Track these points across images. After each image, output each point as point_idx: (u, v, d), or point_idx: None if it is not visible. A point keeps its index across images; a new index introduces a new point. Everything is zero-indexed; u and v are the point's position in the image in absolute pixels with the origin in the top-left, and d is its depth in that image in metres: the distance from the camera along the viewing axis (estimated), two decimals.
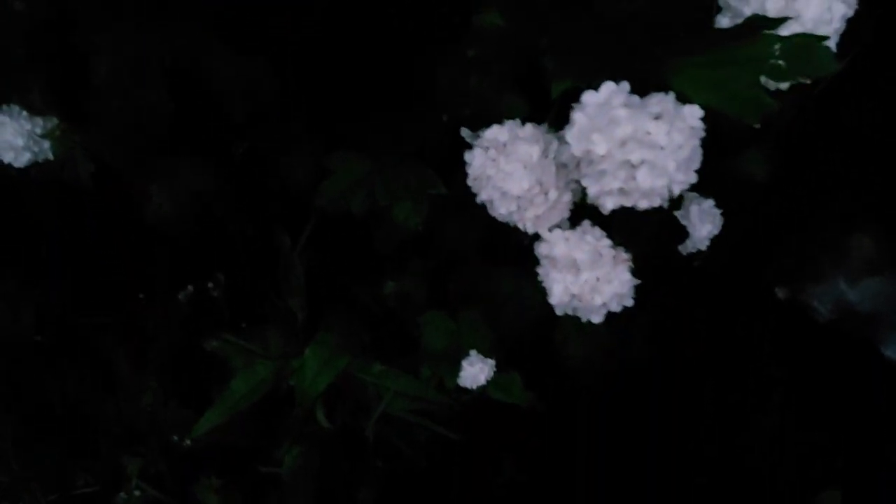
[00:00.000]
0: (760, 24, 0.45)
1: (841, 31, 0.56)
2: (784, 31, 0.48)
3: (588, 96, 0.46)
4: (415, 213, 0.65)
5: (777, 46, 0.44)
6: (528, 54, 0.54)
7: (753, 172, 0.60)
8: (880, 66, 0.82)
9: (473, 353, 0.91)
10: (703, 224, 0.62)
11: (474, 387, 0.92)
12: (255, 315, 1.18)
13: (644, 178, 0.45)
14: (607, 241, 0.55)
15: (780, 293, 1.18)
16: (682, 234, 0.59)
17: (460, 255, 0.75)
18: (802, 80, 0.53)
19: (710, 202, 0.62)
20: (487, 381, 0.91)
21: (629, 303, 0.56)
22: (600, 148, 0.45)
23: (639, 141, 0.44)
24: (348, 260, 1.05)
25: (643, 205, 0.47)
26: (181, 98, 0.78)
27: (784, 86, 0.53)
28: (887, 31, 0.71)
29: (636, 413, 1.05)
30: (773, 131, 0.60)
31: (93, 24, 0.79)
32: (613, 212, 0.55)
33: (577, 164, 0.48)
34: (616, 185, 0.46)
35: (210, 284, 1.32)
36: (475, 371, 0.91)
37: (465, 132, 0.61)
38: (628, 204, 0.47)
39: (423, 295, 0.98)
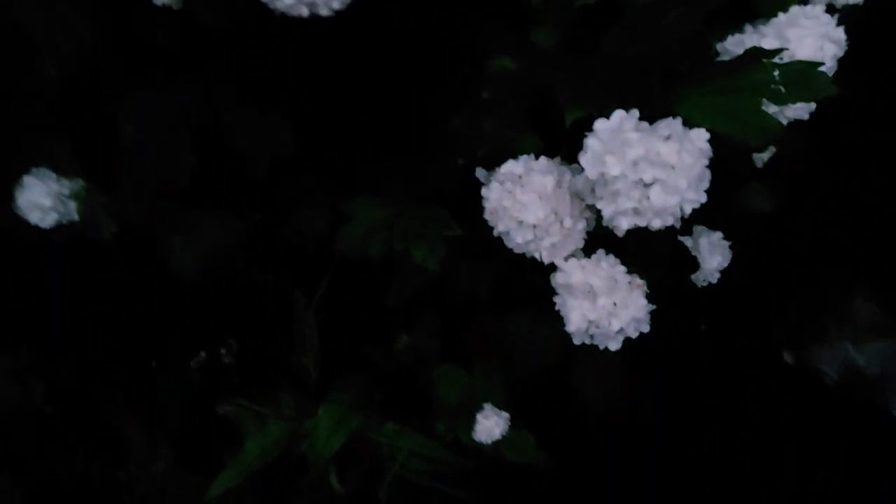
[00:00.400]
0: (758, 55, 0.48)
1: (833, 70, 0.59)
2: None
3: (600, 123, 0.49)
4: (432, 255, 0.67)
5: (776, 73, 0.47)
6: (540, 93, 0.57)
7: (758, 205, 0.62)
8: (875, 116, 0.87)
9: (488, 406, 0.92)
10: (712, 256, 0.64)
11: (489, 441, 0.92)
12: (268, 379, 1.19)
13: (657, 197, 0.47)
14: (622, 268, 0.57)
15: (787, 357, 1.20)
16: (694, 263, 0.61)
17: (474, 297, 0.77)
18: (800, 116, 0.56)
19: (718, 234, 0.64)
20: (502, 436, 0.91)
21: (646, 328, 0.58)
22: (614, 169, 0.47)
23: (650, 161, 0.47)
24: (361, 317, 1.07)
25: (656, 224, 0.49)
26: (204, 153, 0.81)
27: (783, 121, 0.57)
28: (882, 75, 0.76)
29: (644, 464, 1.05)
30: (775, 167, 0.63)
31: (121, 89, 0.84)
32: (626, 240, 0.57)
33: (592, 189, 0.51)
34: (630, 204, 0.49)
35: (223, 351, 1.32)
36: (490, 424, 0.91)
37: (479, 173, 0.64)
38: (642, 223, 0.49)
39: (437, 348, 0.99)
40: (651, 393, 0.84)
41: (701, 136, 0.48)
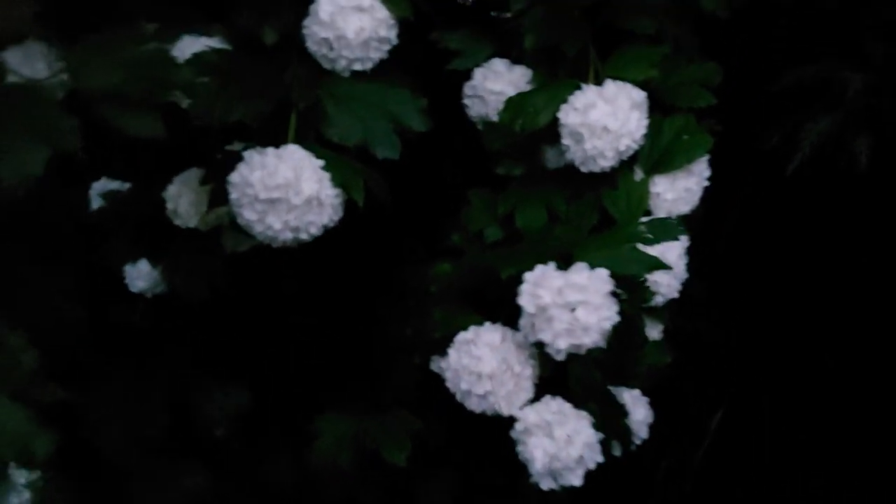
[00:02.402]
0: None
1: (685, 262, 0.80)
2: None
3: (527, 275, 0.66)
4: (400, 452, 0.75)
5: (643, 227, 0.67)
6: (476, 280, 0.74)
7: (659, 360, 0.77)
8: None
9: None
10: (637, 408, 0.76)
11: None
12: None
13: (583, 315, 0.62)
14: (568, 404, 0.68)
15: None
16: (624, 410, 0.73)
17: None
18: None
19: (637, 391, 0.77)
20: None
21: (599, 458, 0.68)
22: (546, 298, 0.63)
23: (571, 286, 0.63)
24: None
25: (587, 341, 0.63)
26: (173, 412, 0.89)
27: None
28: None
29: None
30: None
31: (93, 373, 0.93)
32: (568, 386, 0.70)
33: (532, 325, 0.65)
34: (563, 326, 0.63)
35: None
36: None
37: (434, 363, 0.77)
38: (576, 342, 0.63)
39: None
40: None
41: (602, 272, 0.65)
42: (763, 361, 1.22)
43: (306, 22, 0.75)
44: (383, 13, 0.75)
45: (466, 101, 0.89)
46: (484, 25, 0.91)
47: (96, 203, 0.94)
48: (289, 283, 0.88)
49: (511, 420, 0.70)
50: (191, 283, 0.87)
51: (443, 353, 0.74)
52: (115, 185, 0.95)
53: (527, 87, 0.86)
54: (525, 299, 0.64)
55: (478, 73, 0.87)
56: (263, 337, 0.92)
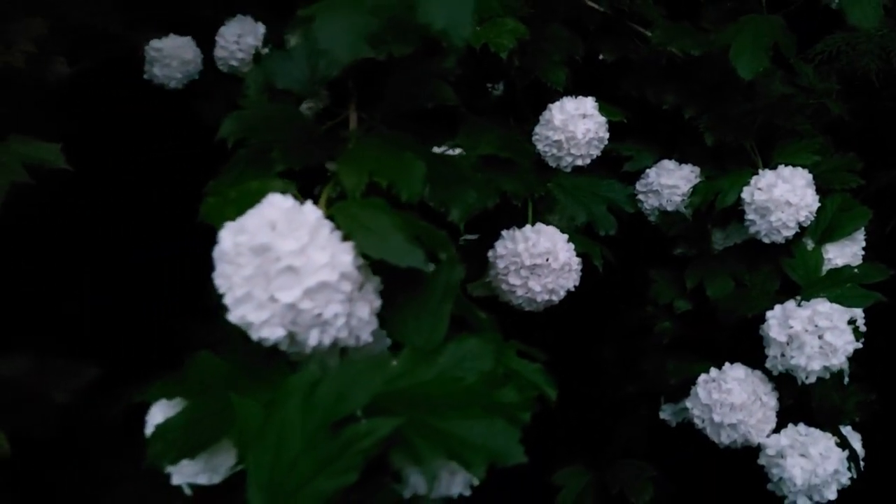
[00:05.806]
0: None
1: None
2: None
3: (770, 312, 0.78)
4: (643, 494, 0.83)
5: (855, 271, 0.80)
6: (701, 329, 0.86)
7: (865, 398, 0.87)
8: None
9: None
10: (853, 442, 0.85)
11: None
12: None
13: (831, 338, 0.74)
14: (813, 428, 0.78)
15: None
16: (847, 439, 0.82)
17: None
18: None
19: (849, 427, 0.86)
20: None
21: (849, 475, 0.76)
22: (797, 326, 0.74)
23: (819, 314, 0.75)
24: None
25: (835, 362, 0.74)
26: None
27: None
28: None
29: None
30: None
31: None
32: (812, 409, 0.79)
33: (782, 356, 0.76)
34: (815, 349, 0.74)
35: None
36: None
37: (664, 412, 0.87)
38: (826, 363, 0.74)
39: None
40: None
41: (836, 305, 0.77)
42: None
43: (538, 129, 0.91)
44: (601, 118, 0.91)
45: (640, 196, 1.04)
46: (645, 134, 1.09)
47: None
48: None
49: (756, 451, 0.79)
50: None
51: (675, 400, 0.84)
52: None
53: (696, 180, 1.02)
54: (775, 330, 0.76)
55: (651, 172, 1.03)
56: None
